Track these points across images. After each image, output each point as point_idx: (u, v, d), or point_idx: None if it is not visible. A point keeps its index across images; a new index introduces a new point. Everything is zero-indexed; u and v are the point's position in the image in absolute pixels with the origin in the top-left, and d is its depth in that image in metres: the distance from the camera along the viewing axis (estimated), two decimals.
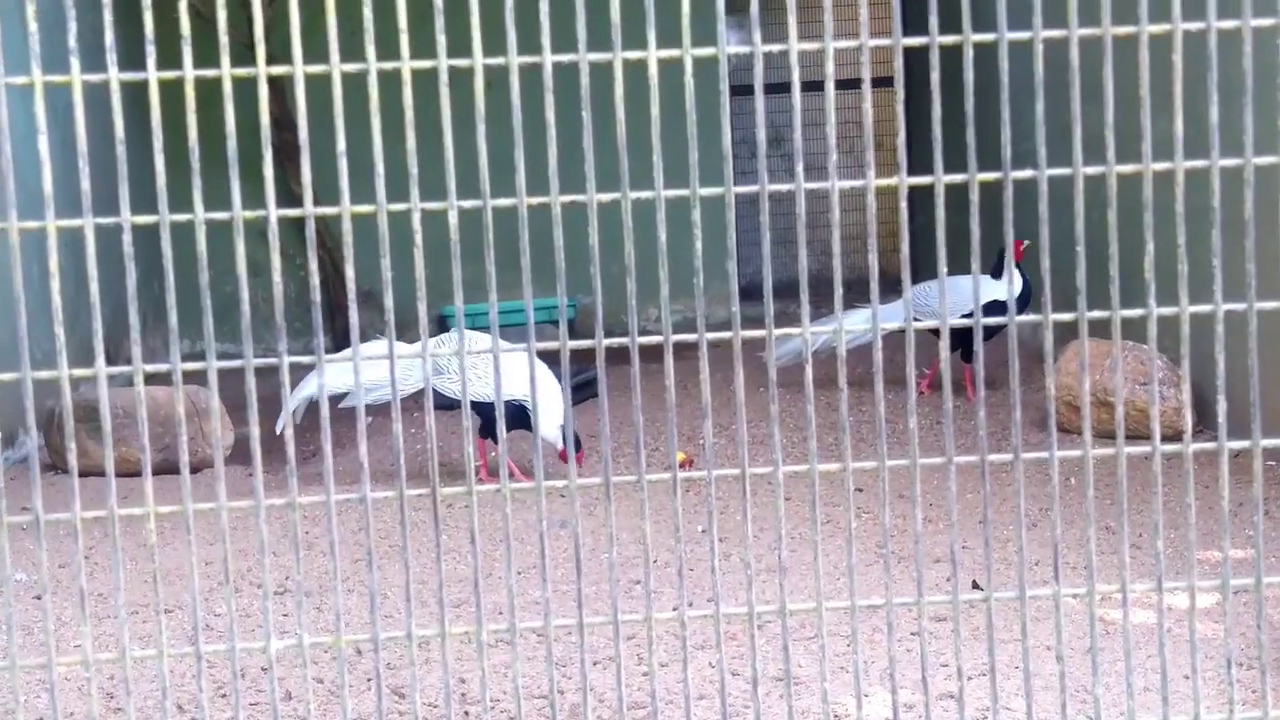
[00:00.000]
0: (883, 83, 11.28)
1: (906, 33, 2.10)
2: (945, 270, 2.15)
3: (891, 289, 9.16)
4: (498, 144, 2.22)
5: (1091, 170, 2.13)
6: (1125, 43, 2.10)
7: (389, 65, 2.05)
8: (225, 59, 2.04)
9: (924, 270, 10.09)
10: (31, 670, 2.12)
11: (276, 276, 2.09)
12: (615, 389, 7.91)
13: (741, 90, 11.63)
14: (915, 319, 6.22)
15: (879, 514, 5.42)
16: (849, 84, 10.30)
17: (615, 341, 2.12)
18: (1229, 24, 2.11)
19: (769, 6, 11.28)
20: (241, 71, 2.03)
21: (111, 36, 2.03)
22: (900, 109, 2.91)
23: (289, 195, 9.65)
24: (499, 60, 2.06)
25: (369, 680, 4.04)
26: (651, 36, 2.07)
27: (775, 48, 2.13)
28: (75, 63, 2.01)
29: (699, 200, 2.11)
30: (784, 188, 2.11)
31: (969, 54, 2.10)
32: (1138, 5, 2.10)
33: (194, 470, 6.65)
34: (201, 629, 2.12)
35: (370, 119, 2.02)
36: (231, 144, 2.03)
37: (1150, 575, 4.62)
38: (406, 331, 9.67)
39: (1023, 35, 2.10)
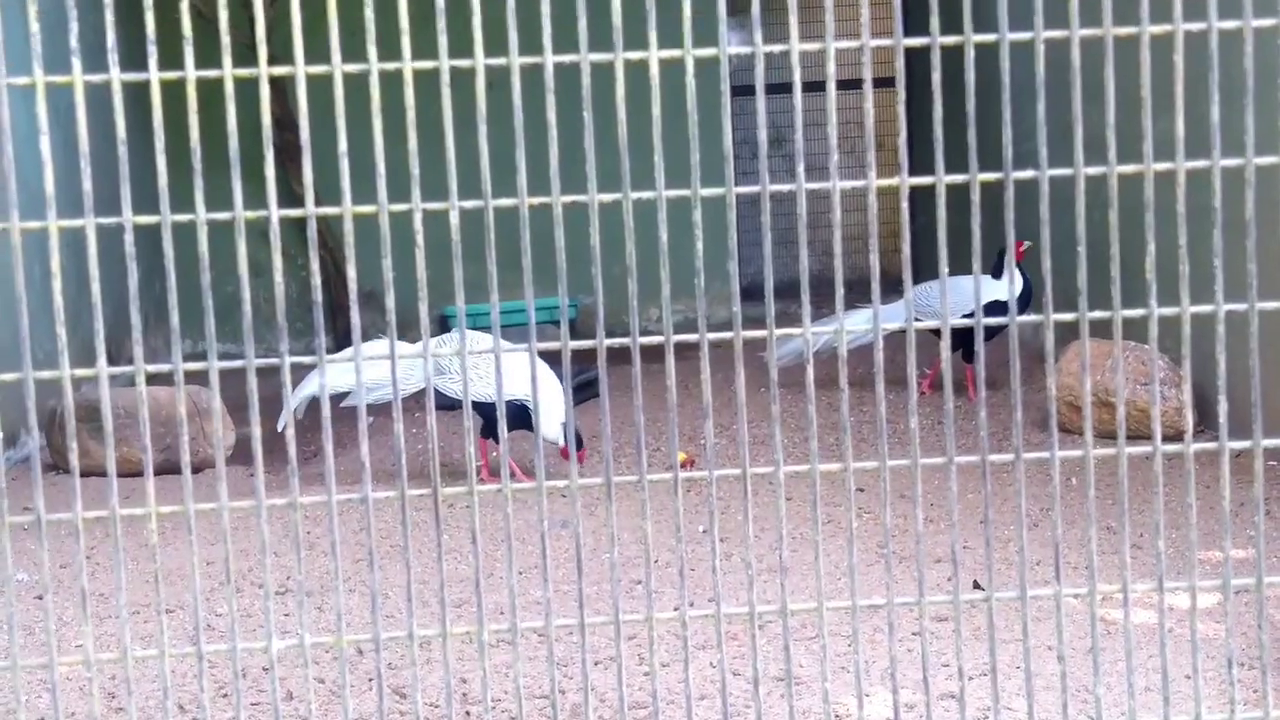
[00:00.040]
0: (884, 83, 11.29)
1: (908, 33, 2.10)
2: (946, 270, 2.15)
3: (893, 289, 9.16)
4: (499, 144, 2.22)
5: (1093, 170, 2.13)
6: (1126, 43, 2.10)
7: (390, 65, 2.05)
8: (227, 59, 2.04)
9: (925, 270, 10.09)
10: (33, 670, 2.12)
11: (278, 277, 2.09)
12: (616, 389, 7.91)
13: (743, 91, 11.63)
14: (916, 319, 6.22)
15: (880, 514, 5.42)
16: (850, 84, 10.30)
17: (616, 342, 2.13)
18: (1230, 24, 2.11)
19: (770, 7, 11.28)
20: (243, 72, 2.04)
21: (113, 37, 2.03)
22: (901, 109, 2.91)
23: (290, 195, 9.65)
24: (500, 60, 2.07)
25: (370, 680, 4.04)
26: (653, 37, 2.07)
27: (776, 48, 2.13)
28: (77, 63, 2.01)
29: (700, 200, 2.11)
30: (785, 188, 2.11)
31: (970, 54, 2.10)
32: (1139, 6, 2.10)
33: (195, 470, 6.65)
34: (203, 629, 2.13)
35: (372, 119, 2.02)
36: (233, 144, 2.04)
37: (1151, 575, 4.62)
38: (408, 332, 9.67)
39: (1024, 35, 2.10)
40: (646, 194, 2.09)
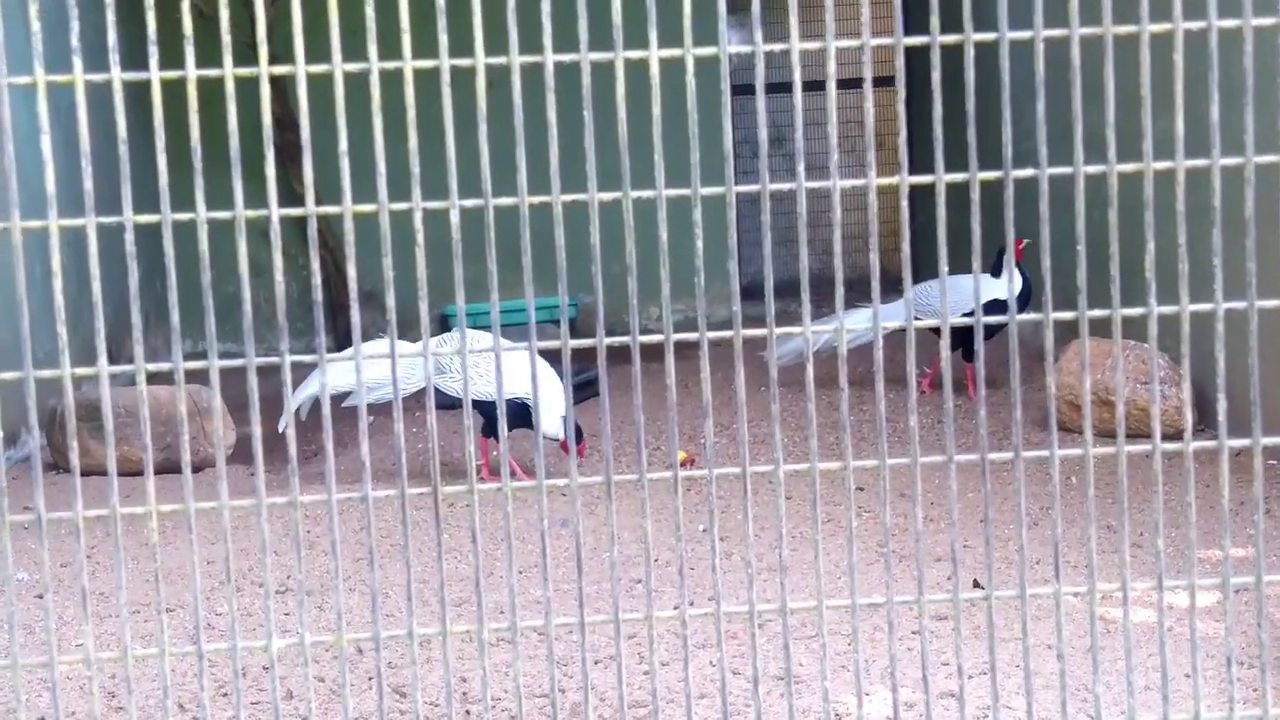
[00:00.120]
0: (884, 82, 11.29)
1: (908, 32, 2.10)
2: (946, 269, 2.15)
3: (893, 288, 9.16)
4: (499, 143, 2.22)
5: (1092, 169, 2.13)
6: (1126, 42, 2.10)
7: (391, 65, 2.05)
8: (227, 59, 2.04)
9: (925, 269, 10.09)
10: (33, 669, 2.12)
11: (278, 276, 2.10)
12: (616, 388, 7.92)
13: (743, 90, 11.63)
14: (916, 318, 6.23)
15: (880, 513, 5.42)
16: (850, 83, 10.31)
17: (616, 340, 2.13)
18: (1230, 23, 2.11)
19: (770, 6, 11.29)
20: (244, 71, 2.04)
21: (114, 36, 2.03)
22: (901, 108, 2.91)
23: (291, 195, 9.65)
24: (501, 60, 2.07)
25: (370, 679, 4.04)
26: (653, 36, 2.07)
27: (776, 47, 2.13)
28: (78, 62, 2.01)
29: (700, 199, 2.11)
30: (785, 186, 2.11)
31: (970, 53, 2.10)
32: (1138, 4, 2.10)
33: (196, 469, 6.65)
34: (203, 628, 2.13)
35: (372, 118, 2.02)
36: (234, 143, 2.04)
37: (1151, 574, 4.62)
38: (408, 331, 9.67)
39: (1024, 34, 2.10)
40: (646, 193, 2.10)
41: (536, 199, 2.10)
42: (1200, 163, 2.13)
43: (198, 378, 6.71)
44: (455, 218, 2.09)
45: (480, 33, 2.07)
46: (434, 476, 2.10)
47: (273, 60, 2.06)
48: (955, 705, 3.67)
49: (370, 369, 6.18)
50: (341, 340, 10.11)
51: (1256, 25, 2.12)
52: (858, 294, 9.24)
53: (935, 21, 2.09)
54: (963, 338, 7.41)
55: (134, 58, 2.73)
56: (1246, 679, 3.82)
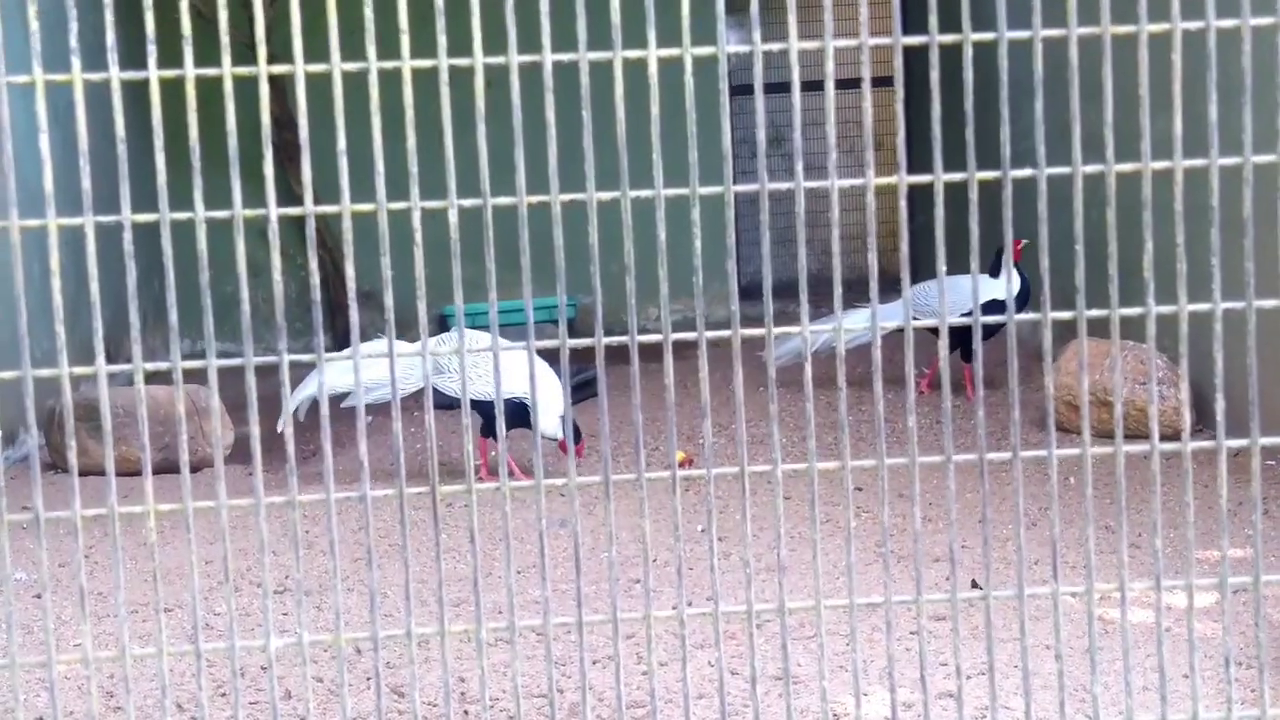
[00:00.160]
0: (883, 82, 11.29)
1: (906, 32, 2.10)
2: (944, 269, 2.15)
3: (891, 288, 9.17)
4: (498, 143, 2.22)
5: (1090, 169, 2.13)
6: (1124, 42, 2.10)
7: (389, 64, 2.05)
8: (226, 58, 2.04)
9: (923, 269, 10.09)
10: (31, 669, 2.12)
11: (277, 275, 2.10)
12: (615, 388, 7.92)
13: (742, 90, 11.63)
14: (915, 318, 6.22)
15: (878, 513, 5.42)
16: (849, 83, 10.31)
17: (615, 340, 2.13)
18: (1228, 23, 2.11)
19: (769, 6, 11.28)
20: (242, 71, 2.04)
21: (112, 36, 2.03)
22: (900, 108, 2.92)
23: (289, 194, 9.65)
24: (499, 59, 2.07)
25: (368, 679, 4.04)
26: (651, 36, 2.07)
27: (775, 46, 2.13)
28: (76, 62, 2.01)
29: (699, 199, 2.11)
30: (783, 186, 2.11)
31: (968, 53, 2.10)
32: (1137, 4, 2.10)
33: (194, 469, 6.65)
34: (201, 628, 2.13)
35: (370, 118, 2.02)
36: (232, 143, 2.04)
37: (1149, 574, 4.62)
38: (407, 331, 9.67)
39: (1022, 34, 2.10)
40: (645, 192, 2.10)
41: (535, 199, 2.10)
42: (1198, 162, 2.14)
43: (196, 377, 6.71)
44: (454, 217, 2.09)
45: (479, 32, 2.07)
46: (432, 476, 2.10)
47: (271, 60, 2.06)
48: (953, 705, 3.67)
49: (369, 369, 6.19)
50: (340, 340, 10.10)
51: (1255, 25, 2.12)
52: (856, 294, 9.23)
53: (934, 21, 2.09)
54: (961, 338, 7.41)
55: (132, 57, 2.73)
56: (1244, 679, 3.82)
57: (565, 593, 4.74)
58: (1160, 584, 2.20)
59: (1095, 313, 2.18)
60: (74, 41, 2.01)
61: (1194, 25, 2.10)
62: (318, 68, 2.05)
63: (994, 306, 7.52)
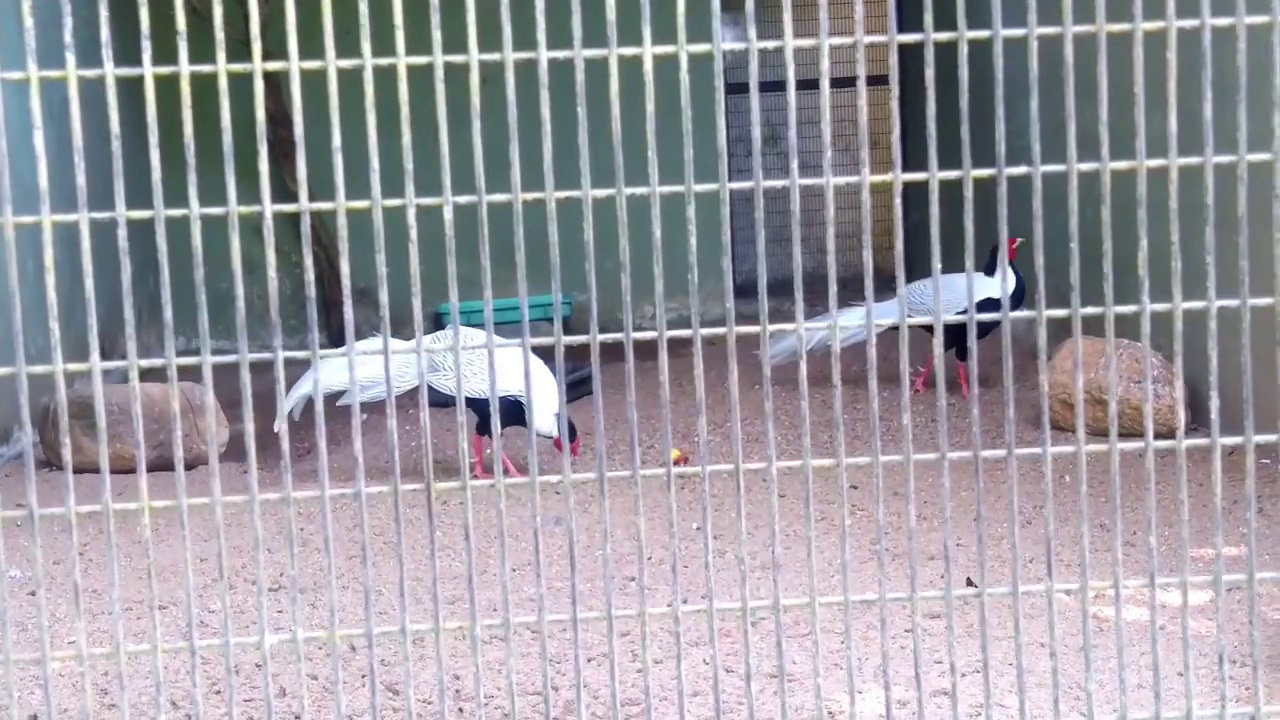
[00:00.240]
0: (878, 80, 11.29)
1: (901, 30, 2.10)
2: (939, 267, 2.15)
3: (886, 286, 9.16)
4: (493, 140, 2.22)
5: (1086, 167, 2.13)
6: (1120, 39, 2.10)
7: (384, 61, 2.05)
8: (221, 55, 2.04)
9: (918, 267, 10.09)
10: (26, 666, 2.12)
11: (271, 272, 2.09)
12: (610, 386, 7.92)
13: (737, 88, 11.63)
14: (910, 316, 6.23)
15: (873, 510, 5.42)
16: (845, 81, 10.31)
17: (610, 337, 2.13)
18: (1223, 21, 2.11)
19: (764, 3, 11.28)
20: (237, 67, 2.03)
21: (107, 32, 2.03)
22: (895, 106, 2.91)
23: (284, 191, 9.64)
24: (494, 56, 2.07)
25: (363, 676, 4.04)
26: (647, 33, 2.07)
27: (770, 44, 2.13)
28: (71, 58, 2.01)
29: (694, 197, 2.11)
30: (779, 184, 2.11)
31: (964, 51, 2.10)
32: (1132, 3, 2.10)
33: (189, 466, 6.65)
34: (196, 625, 2.13)
35: (366, 115, 2.02)
36: (227, 139, 2.04)
37: (1143, 572, 4.63)
38: (402, 328, 9.67)
39: (1017, 32, 2.10)
40: (640, 190, 2.09)
41: (530, 196, 2.10)
42: (1193, 160, 2.14)
43: (191, 374, 6.71)
44: (449, 214, 2.08)
45: (474, 29, 2.07)
46: (427, 473, 2.10)
47: (266, 56, 2.05)
48: (948, 703, 3.67)
49: (364, 366, 6.18)
50: (335, 337, 10.10)
51: (1250, 23, 2.12)
52: (851, 292, 9.24)
53: (929, 19, 2.09)
54: (956, 336, 7.41)
55: (127, 54, 2.73)
56: (1239, 677, 3.83)
57: (560, 590, 4.74)
58: (1155, 582, 2.21)
59: (1090, 310, 2.18)
60: (68, 37, 2.00)
61: (1189, 23, 2.10)
62: (313, 64, 2.04)
63: (989, 305, 7.52)
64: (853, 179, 2.13)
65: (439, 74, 2.06)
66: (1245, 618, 4.17)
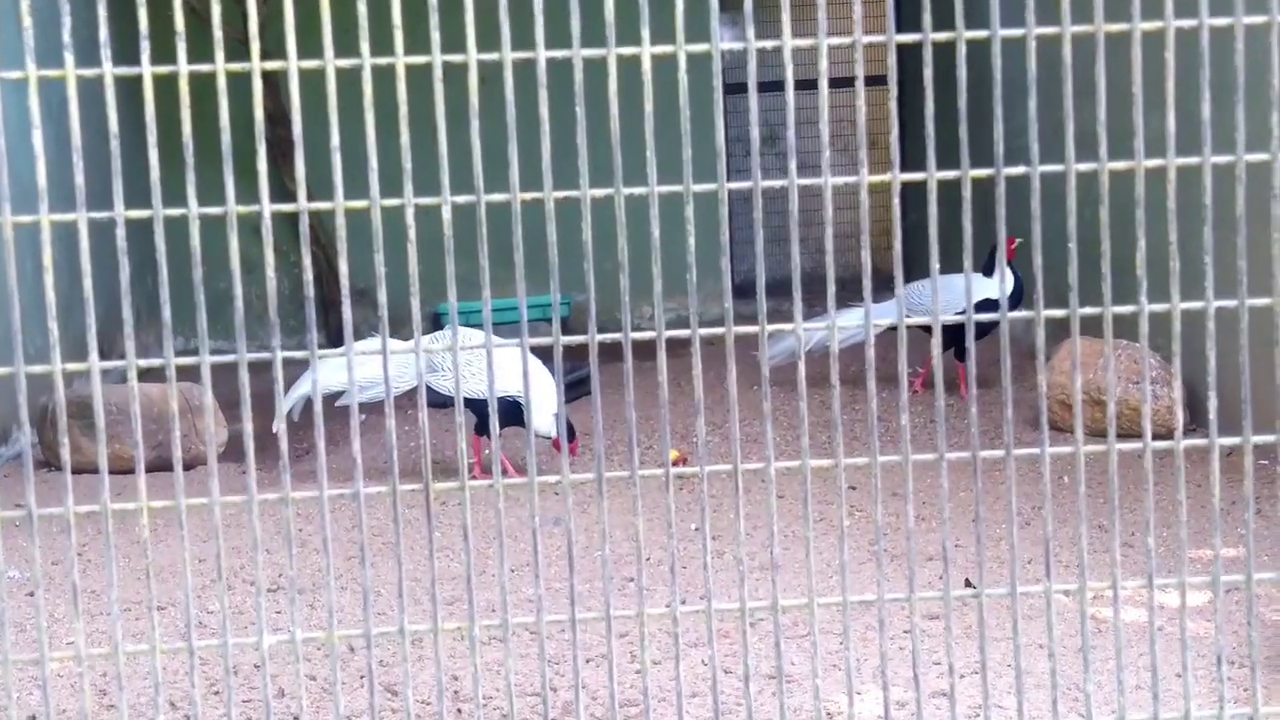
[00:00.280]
0: (876, 80, 11.30)
1: (900, 30, 2.10)
2: (938, 267, 2.15)
3: (885, 286, 9.17)
4: (492, 139, 2.22)
5: (1084, 167, 2.13)
6: (1118, 40, 2.10)
7: (383, 60, 2.05)
8: (220, 54, 2.04)
9: (917, 268, 10.09)
10: (24, 666, 2.12)
11: (270, 272, 2.09)
12: (608, 386, 7.91)
13: (736, 89, 11.63)
14: (908, 317, 6.22)
15: (871, 511, 5.42)
16: (843, 81, 10.31)
17: (609, 337, 2.12)
18: (1221, 21, 2.11)
19: (763, 3, 11.28)
20: (236, 66, 2.03)
21: (106, 31, 2.03)
22: (894, 106, 2.91)
23: (283, 191, 9.64)
24: (493, 56, 2.06)
25: (362, 677, 4.04)
26: (645, 33, 2.07)
27: (769, 44, 2.13)
28: (69, 57, 2.01)
29: (693, 197, 2.11)
30: (777, 184, 2.11)
31: (962, 51, 2.10)
32: (1130, 2, 2.10)
33: (187, 467, 6.65)
34: (194, 625, 2.13)
35: (364, 114, 2.02)
36: (225, 139, 2.04)
37: (1142, 573, 4.63)
38: (401, 328, 9.67)
39: (1016, 32, 2.10)
40: (639, 190, 2.09)
41: (529, 195, 2.10)
42: (1191, 160, 2.14)
43: (189, 374, 6.71)
44: (447, 214, 2.08)
45: (472, 29, 2.07)
46: (425, 474, 2.10)
47: (265, 56, 2.05)
48: (947, 704, 3.67)
49: (363, 367, 6.18)
50: (334, 337, 10.10)
51: (1248, 23, 2.12)
52: (850, 292, 9.24)
53: (927, 19, 2.09)
54: (955, 337, 7.41)
55: (126, 53, 2.73)
56: (1237, 678, 3.83)
57: (559, 591, 4.74)
58: (1153, 582, 2.21)
59: (1088, 311, 2.18)
60: (67, 37, 2.00)
61: (1187, 23, 2.10)
62: (311, 64, 2.04)
63: (988, 305, 7.52)
64: (851, 179, 2.13)
65: (438, 74, 2.06)
66: (1243, 619, 4.17)
